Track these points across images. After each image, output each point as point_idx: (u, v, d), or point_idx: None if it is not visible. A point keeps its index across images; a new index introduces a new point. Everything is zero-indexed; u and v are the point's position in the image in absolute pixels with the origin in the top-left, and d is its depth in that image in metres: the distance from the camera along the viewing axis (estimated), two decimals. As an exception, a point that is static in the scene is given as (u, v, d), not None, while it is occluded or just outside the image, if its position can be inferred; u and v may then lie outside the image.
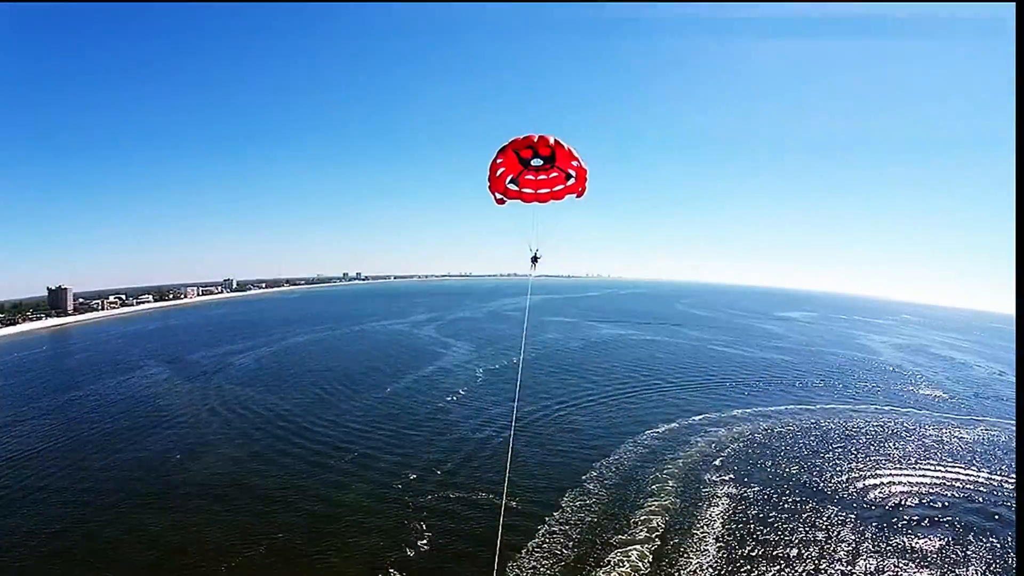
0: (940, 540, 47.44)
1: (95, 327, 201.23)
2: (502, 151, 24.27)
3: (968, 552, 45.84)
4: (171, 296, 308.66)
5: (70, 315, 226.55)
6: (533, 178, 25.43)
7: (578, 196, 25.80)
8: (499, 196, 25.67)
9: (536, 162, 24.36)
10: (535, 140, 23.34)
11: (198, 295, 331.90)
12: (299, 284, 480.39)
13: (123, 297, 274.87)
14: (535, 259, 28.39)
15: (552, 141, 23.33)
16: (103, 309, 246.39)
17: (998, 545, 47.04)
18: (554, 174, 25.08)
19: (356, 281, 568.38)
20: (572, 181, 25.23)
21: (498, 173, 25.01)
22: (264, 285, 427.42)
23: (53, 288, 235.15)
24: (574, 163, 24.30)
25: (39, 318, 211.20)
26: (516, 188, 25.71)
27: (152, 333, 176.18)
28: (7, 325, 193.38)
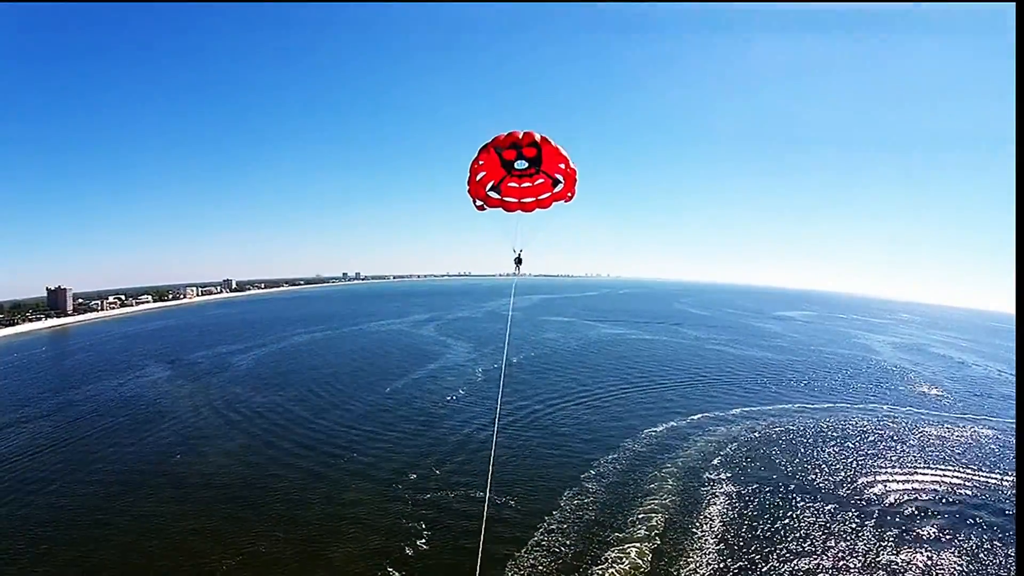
0: (939, 540, 47.65)
1: (94, 327, 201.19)
2: (484, 150, 21.84)
3: (967, 552, 46.01)
4: (170, 296, 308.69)
5: (69, 315, 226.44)
6: (516, 185, 22.95)
7: (566, 201, 23.63)
8: (479, 203, 23.49)
9: (520, 164, 22.03)
10: (519, 137, 20.95)
11: (197, 295, 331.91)
12: (298, 284, 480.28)
13: (122, 297, 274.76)
14: (519, 260, 26.73)
15: (538, 139, 21.08)
16: (102, 309, 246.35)
17: (998, 544, 47.23)
18: (540, 180, 22.70)
19: (355, 281, 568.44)
20: (560, 187, 22.96)
21: (478, 177, 22.63)
22: (263, 285, 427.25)
23: (52, 288, 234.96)
24: (562, 165, 22.08)
25: (39, 318, 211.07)
26: (498, 196, 23.33)
27: (152, 333, 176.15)
28: (7, 326, 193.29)
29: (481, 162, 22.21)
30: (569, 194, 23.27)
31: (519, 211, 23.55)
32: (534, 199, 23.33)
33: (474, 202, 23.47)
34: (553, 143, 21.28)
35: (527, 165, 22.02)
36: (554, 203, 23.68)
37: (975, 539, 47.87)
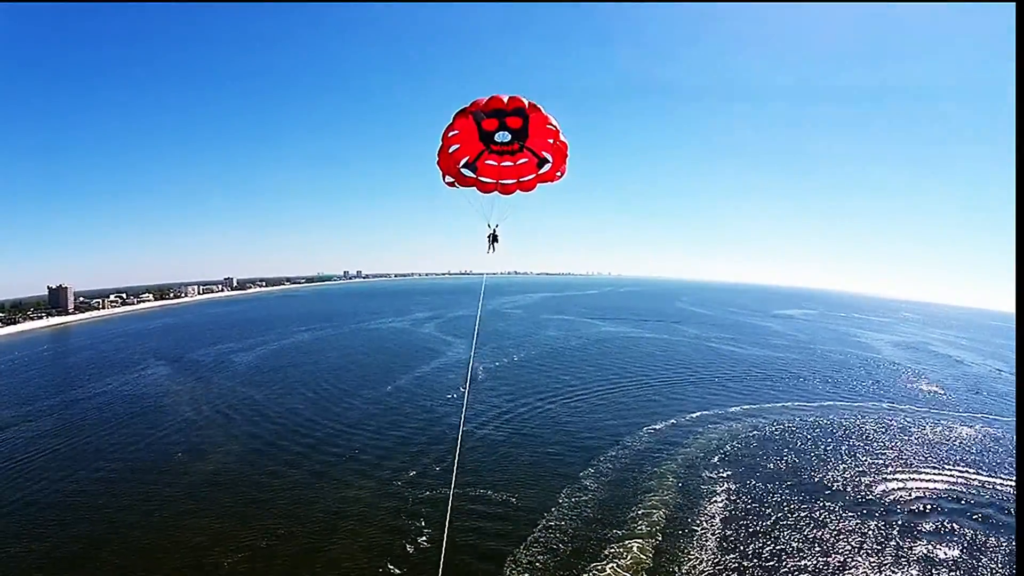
0: (939, 537, 47.69)
1: (96, 326, 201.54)
2: (460, 115, 18.48)
3: (967, 550, 46.08)
4: (172, 295, 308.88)
5: (71, 314, 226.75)
6: (495, 163, 19.67)
7: (554, 181, 20.47)
8: (450, 180, 20.24)
9: (502, 137, 18.86)
10: (503, 103, 17.70)
11: (199, 293, 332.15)
12: (299, 282, 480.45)
13: (123, 296, 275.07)
14: (494, 238, 22.26)
15: (526, 105, 17.89)
16: (104, 308, 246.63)
17: (998, 543, 47.29)
18: (523, 160, 19.53)
19: (356, 279, 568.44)
20: (547, 167, 19.78)
21: (451, 149, 19.42)
22: (264, 283, 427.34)
23: (53, 287, 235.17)
24: (551, 140, 18.99)
25: (40, 317, 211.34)
26: (473, 175, 20.02)
27: (153, 331, 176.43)
28: (8, 324, 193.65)
29: (456, 131, 18.97)
30: (558, 173, 20.15)
31: (496, 192, 20.42)
32: (515, 181, 20.13)
33: (443, 177, 20.26)
34: (543, 111, 18.42)
35: (510, 138, 18.96)
36: (540, 184, 20.52)
37: (975, 538, 47.87)
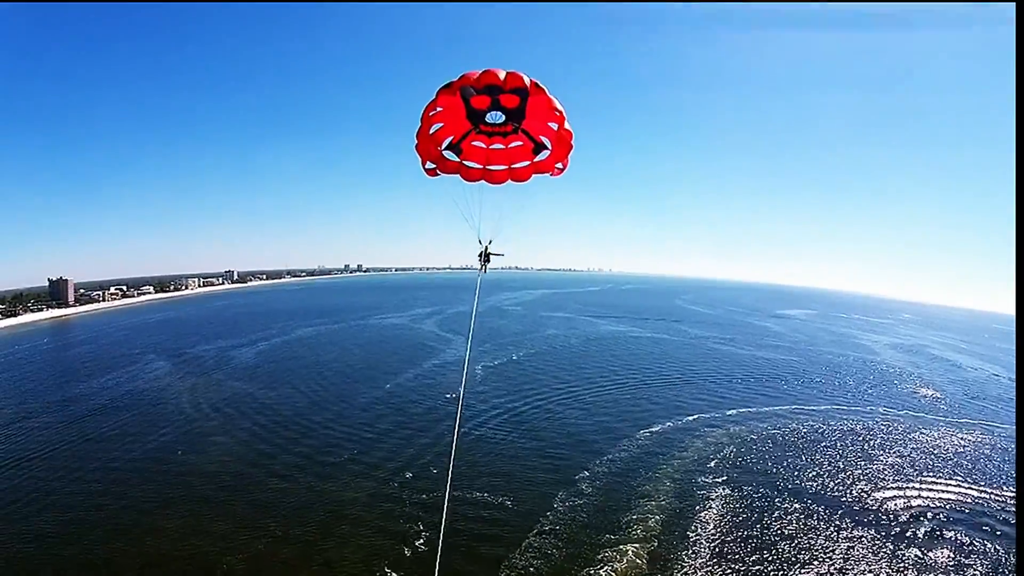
0: (937, 544, 47.94)
1: (96, 318, 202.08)
2: (445, 91, 15.49)
3: (966, 555, 46.39)
4: (172, 287, 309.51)
5: (71, 306, 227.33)
6: (483, 146, 16.80)
7: (553, 174, 17.39)
8: (431, 166, 17.32)
9: (495, 117, 16.08)
10: (500, 79, 14.72)
11: (199, 286, 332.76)
12: (300, 276, 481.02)
13: (124, 288, 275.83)
14: (486, 257, 19.12)
15: (527, 83, 15.02)
16: (104, 300, 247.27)
17: (998, 548, 47.57)
18: (517, 144, 16.78)
19: (358, 273, 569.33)
20: (544, 155, 17.00)
21: (433, 130, 16.60)
22: (265, 277, 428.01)
23: (54, 279, 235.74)
24: (553, 126, 16.19)
25: (40, 309, 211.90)
26: (457, 159, 17.13)
27: (153, 325, 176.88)
28: (8, 316, 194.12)
29: (439, 108, 16.08)
30: (559, 165, 17.31)
31: (483, 181, 17.32)
32: (506, 167, 17.26)
33: (423, 164, 17.38)
34: (547, 93, 15.54)
35: (504, 119, 16.16)
36: (535, 175, 17.49)
37: (973, 542, 48.16)
